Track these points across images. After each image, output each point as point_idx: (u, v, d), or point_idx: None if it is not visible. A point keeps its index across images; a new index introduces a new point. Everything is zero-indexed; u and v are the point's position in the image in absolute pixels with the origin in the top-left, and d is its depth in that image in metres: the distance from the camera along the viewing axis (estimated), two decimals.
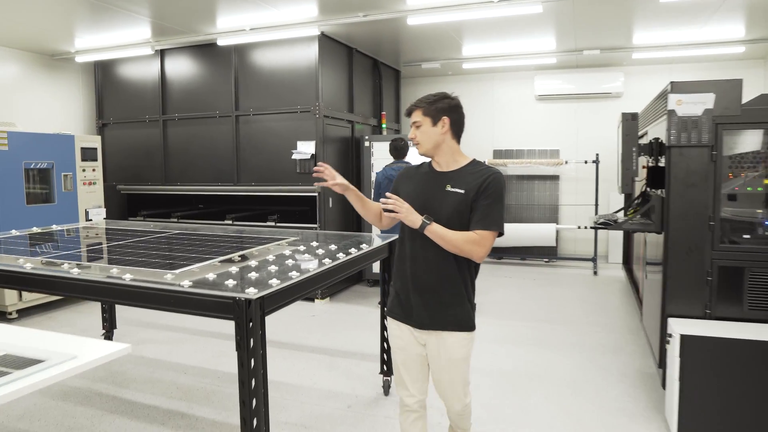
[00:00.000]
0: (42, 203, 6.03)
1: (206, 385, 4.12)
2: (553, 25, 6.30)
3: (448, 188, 2.32)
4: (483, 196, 2.25)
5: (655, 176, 3.83)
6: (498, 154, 8.99)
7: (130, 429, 3.45)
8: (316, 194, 6.41)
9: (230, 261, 2.96)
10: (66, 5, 5.48)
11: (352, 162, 7.27)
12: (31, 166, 5.88)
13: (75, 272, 2.66)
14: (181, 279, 2.48)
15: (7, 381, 1.62)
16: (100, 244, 3.38)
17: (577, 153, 8.74)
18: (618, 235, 8.23)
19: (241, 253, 3.07)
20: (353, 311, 6.09)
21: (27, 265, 2.83)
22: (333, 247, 3.36)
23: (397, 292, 2.45)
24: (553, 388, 3.98)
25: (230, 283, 2.40)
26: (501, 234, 2.31)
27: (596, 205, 8.08)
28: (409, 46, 7.39)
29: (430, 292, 2.33)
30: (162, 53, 7.18)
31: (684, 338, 3.02)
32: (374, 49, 7.57)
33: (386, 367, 3.89)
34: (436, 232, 2.23)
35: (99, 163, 6.62)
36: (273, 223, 6.64)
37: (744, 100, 3.26)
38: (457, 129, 2.39)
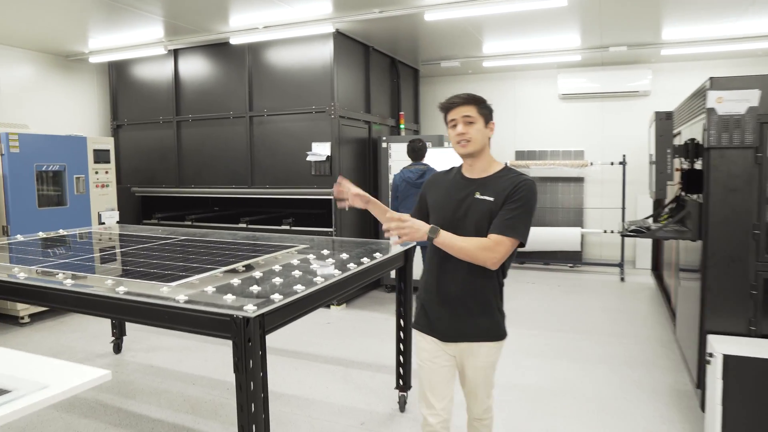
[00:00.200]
0: (54, 206, 5.94)
1: (214, 397, 3.95)
2: (577, 20, 6.02)
3: (477, 196, 2.21)
4: (509, 201, 2.15)
5: (691, 180, 3.55)
6: (520, 155, 8.71)
7: None
8: (331, 197, 6.22)
9: (234, 271, 2.77)
10: (79, 5, 5.39)
11: (369, 164, 7.07)
12: (43, 169, 5.79)
13: (68, 284, 2.50)
14: (178, 293, 2.30)
15: None
16: (101, 251, 3.23)
17: (602, 154, 8.43)
18: (646, 240, 7.90)
19: (246, 262, 2.89)
20: (370, 318, 5.89)
21: (21, 274, 2.68)
22: (344, 255, 3.16)
23: (422, 304, 2.38)
24: (579, 406, 3.73)
25: (229, 298, 2.21)
26: (522, 245, 2.18)
27: (623, 208, 7.76)
28: (427, 43, 7.17)
29: (457, 304, 2.25)
30: (175, 53, 7.07)
31: (728, 359, 2.75)
32: (391, 47, 7.36)
33: (402, 381, 3.68)
34: (445, 241, 2.15)
35: (112, 165, 6.52)
36: (288, 227, 6.47)
37: None
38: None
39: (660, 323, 5.53)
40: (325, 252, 3.27)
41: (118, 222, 6.52)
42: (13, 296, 2.61)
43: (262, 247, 3.33)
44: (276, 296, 2.20)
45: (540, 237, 8.13)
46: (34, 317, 5.84)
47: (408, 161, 5.76)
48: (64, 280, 2.55)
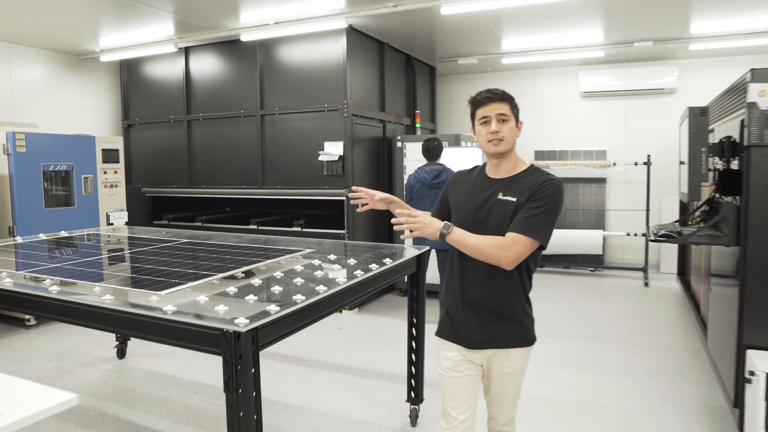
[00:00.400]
0: (61, 207, 5.83)
1: (217, 407, 3.77)
2: (601, 13, 5.76)
3: (500, 196, 2.11)
4: (532, 200, 2.04)
5: (727, 181, 3.29)
6: (540, 155, 8.44)
7: None
8: (343, 198, 6.03)
9: (232, 278, 2.59)
10: (90, 3, 5.31)
11: (384, 164, 6.87)
12: (50, 169, 5.69)
13: (53, 291, 2.34)
14: (167, 302, 2.12)
15: None
16: (96, 255, 3.07)
17: (625, 154, 8.13)
18: (672, 244, 7.58)
19: (245, 268, 2.70)
20: (383, 324, 5.68)
21: (7, 280, 2.53)
22: (352, 261, 2.96)
23: (447, 310, 2.28)
24: (602, 421, 3.48)
25: (221, 309, 2.03)
26: (542, 247, 2.07)
27: (647, 210, 7.45)
28: (444, 39, 6.94)
29: (483, 308, 2.16)
30: (186, 51, 6.94)
31: None
32: (407, 44, 7.15)
33: (414, 394, 3.47)
34: (458, 239, 2.05)
35: (121, 165, 6.40)
36: (299, 228, 6.30)
37: None
38: None
39: (688, 332, 5.24)
40: (332, 257, 3.07)
41: (126, 223, 6.40)
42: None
43: (265, 251, 3.15)
44: (272, 307, 2.01)
45: (560, 240, 7.85)
46: (41, 319, 5.73)
47: (423, 161, 5.55)
48: (50, 287, 2.39)
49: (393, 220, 2.11)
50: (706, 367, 4.30)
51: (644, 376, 4.19)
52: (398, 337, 5.17)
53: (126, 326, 2.12)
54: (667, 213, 7.74)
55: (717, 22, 6.03)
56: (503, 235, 2.04)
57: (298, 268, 2.78)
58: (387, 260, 2.95)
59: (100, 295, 2.26)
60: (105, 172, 6.20)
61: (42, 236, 4.04)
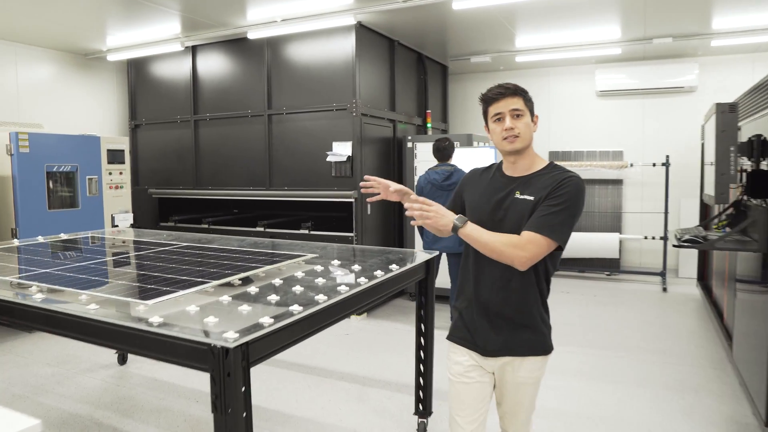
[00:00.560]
0: (65, 208, 5.73)
1: None
2: (619, 9, 5.55)
3: (518, 195, 2.01)
4: (550, 197, 1.93)
5: (757, 182, 3.09)
6: (554, 156, 8.23)
7: None
8: (352, 200, 5.88)
9: (228, 285, 2.44)
10: (97, 1, 5.22)
11: (394, 164, 6.70)
12: (54, 170, 5.59)
13: (38, 298, 2.20)
14: (155, 312, 1.98)
15: None
16: (90, 260, 2.94)
17: (643, 155, 7.89)
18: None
19: (243, 275, 2.55)
20: (392, 330, 5.52)
21: None
22: (356, 267, 2.80)
23: (460, 314, 2.18)
24: None
25: (211, 321, 1.87)
26: (560, 248, 1.96)
27: (666, 213, 7.22)
28: (456, 37, 6.77)
29: (498, 314, 2.05)
30: (194, 50, 6.83)
31: None
32: (418, 42, 6.99)
33: (422, 407, 3.30)
34: (471, 234, 1.95)
35: (126, 166, 6.29)
36: (307, 231, 6.15)
37: None
38: None
39: (710, 341, 5.01)
40: (336, 263, 2.91)
41: (132, 225, 6.29)
42: None
43: (266, 256, 3.00)
44: (265, 320, 1.85)
45: (575, 243, 7.64)
46: None
47: (434, 162, 5.38)
48: (35, 295, 2.25)
49: (406, 205, 2.03)
50: (732, 380, 4.08)
51: (665, 388, 3.98)
52: (407, 343, 5.00)
53: (110, 338, 1.98)
54: (687, 216, 7.49)
55: (740, 17, 5.80)
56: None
57: (299, 274, 2.63)
58: (393, 266, 2.79)
59: (86, 303, 2.12)
60: (110, 173, 6.10)
61: (40, 239, 3.93)
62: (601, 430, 3.39)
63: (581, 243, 7.65)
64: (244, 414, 1.74)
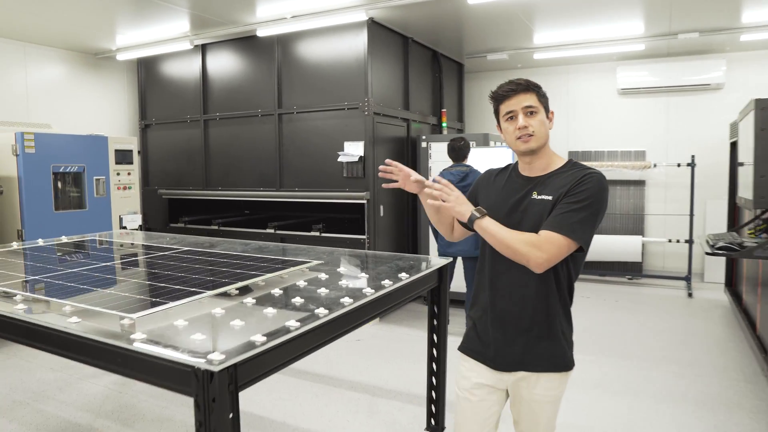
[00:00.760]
0: (72, 209, 5.63)
1: None
2: (643, 2, 5.30)
3: (535, 196, 1.88)
4: (569, 195, 1.80)
5: None
6: (574, 156, 7.97)
7: None
8: (364, 201, 5.70)
9: (225, 295, 2.27)
10: (105, 0, 5.12)
11: (408, 165, 6.48)
12: (60, 170, 5.49)
13: (19, 309, 2.06)
14: (140, 327, 1.81)
15: None
16: (83, 265, 2.80)
17: (666, 155, 7.61)
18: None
19: (241, 284, 2.38)
20: (405, 336, 5.33)
21: None
22: (363, 275, 2.62)
23: (474, 324, 2.06)
24: None
25: (198, 338, 1.70)
26: (581, 249, 1.80)
27: (691, 215, 6.93)
28: (472, 33, 6.55)
29: (515, 325, 1.92)
30: (203, 49, 6.70)
31: None
32: (433, 39, 6.79)
33: (434, 421, 3.10)
34: (487, 228, 1.84)
35: (135, 167, 6.18)
36: (318, 233, 5.99)
37: None
38: None
39: (741, 352, 4.74)
40: (342, 270, 2.73)
41: (140, 226, 6.18)
42: None
43: (268, 263, 2.83)
44: (258, 338, 1.67)
45: (596, 246, 7.37)
46: None
47: (450, 162, 5.18)
48: (17, 304, 2.11)
49: (427, 182, 1.97)
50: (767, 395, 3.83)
51: (695, 404, 3.73)
52: (421, 351, 4.78)
53: (90, 355, 1.82)
54: (714, 219, 7.20)
55: None
56: None
57: (301, 284, 2.45)
58: (403, 275, 2.60)
59: (69, 315, 1.97)
60: (118, 174, 5.99)
61: (40, 242, 3.80)
62: None
63: (602, 246, 7.39)
64: None
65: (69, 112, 6.98)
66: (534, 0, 5.13)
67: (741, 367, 4.39)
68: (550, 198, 1.84)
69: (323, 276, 2.61)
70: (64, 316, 1.97)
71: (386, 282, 2.44)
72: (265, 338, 1.68)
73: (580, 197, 1.78)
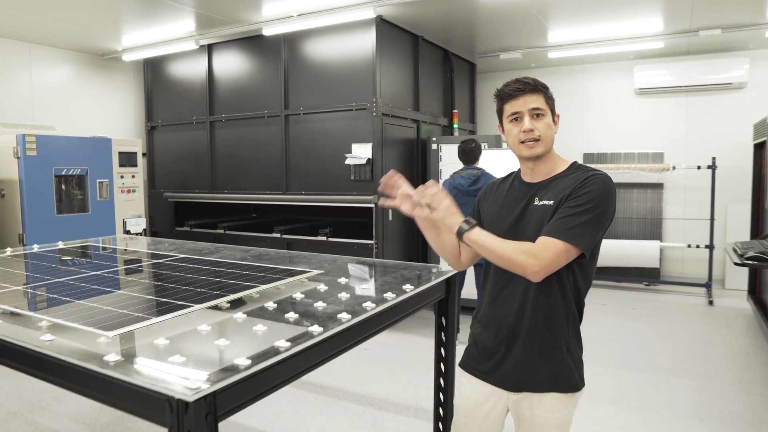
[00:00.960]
0: (75, 213, 5.53)
1: None
2: None
3: (536, 202, 1.77)
4: (571, 198, 1.68)
5: None
6: (589, 158, 7.76)
7: None
8: (372, 206, 5.53)
9: (215, 308, 2.11)
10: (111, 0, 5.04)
11: (417, 168, 6.34)
12: (63, 173, 5.39)
13: None
14: (116, 346, 1.66)
15: None
16: (68, 275, 2.66)
17: (686, 157, 7.37)
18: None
19: (234, 296, 2.23)
20: (413, 346, 5.15)
21: None
22: (365, 287, 2.45)
23: (475, 339, 1.95)
24: None
25: (176, 360, 1.54)
26: (582, 255, 1.67)
27: (711, 219, 6.68)
28: (484, 32, 6.37)
29: (515, 341, 1.80)
30: (209, 49, 6.58)
31: None
32: (444, 38, 6.61)
33: None
34: (477, 239, 1.70)
35: (139, 169, 6.08)
36: (325, 238, 5.83)
37: None
38: None
39: (767, 364, 4.51)
40: (342, 281, 2.57)
41: (144, 230, 6.07)
42: None
43: (266, 272, 2.67)
44: (242, 361, 1.51)
45: (612, 250, 7.16)
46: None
47: (461, 165, 5.00)
48: None
49: (419, 188, 1.79)
50: None
51: (720, 421, 3.52)
52: (430, 361, 4.61)
53: (65, 377, 1.67)
54: (735, 223, 6.95)
55: None
56: None
57: (298, 296, 2.29)
58: (407, 286, 2.43)
59: (44, 332, 1.82)
60: (122, 177, 5.89)
61: (35, 247, 3.68)
62: None
63: (618, 251, 7.17)
64: None
65: (75, 114, 6.90)
66: None
67: (767, 380, 4.16)
68: (551, 203, 1.72)
69: (322, 287, 2.45)
70: (39, 331, 1.83)
71: (389, 295, 2.27)
72: (249, 361, 1.52)
73: (583, 200, 1.66)
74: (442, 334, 2.89)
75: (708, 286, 6.74)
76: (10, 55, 6.29)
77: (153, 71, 7.23)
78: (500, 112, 1.83)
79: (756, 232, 5.99)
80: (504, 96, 1.78)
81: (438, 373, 2.91)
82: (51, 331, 1.83)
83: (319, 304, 2.13)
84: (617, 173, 7.41)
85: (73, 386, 1.65)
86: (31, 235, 5.12)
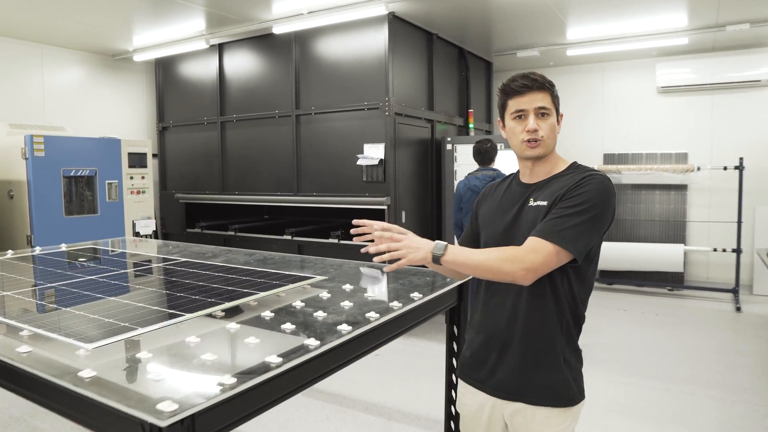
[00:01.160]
0: (83, 214, 5.46)
1: None
2: None
3: (531, 203, 1.70)
4: (565, 198, 1.60)
5: None
6: (609, 158, 7.53)
7: None
8: (384, 207, 5.38)
9: (209, 317, 1.98)
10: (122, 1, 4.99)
11: (432, 169, 6.17)
12: (71, 174, 5.33)
13: None
14: (94, 360, 1.54)
15: None
16: (60, 279, 2.55)
17: (711, 157, 7.10)
18: None
19: (230, 304, 2.10)
20: (426, 352, 4.99)
21: None
22: (370, 295, 2.31)
23: (469, 346, 1.88)
24: None
25: (155, 378, 1.41)
26: (574, 260, 1.58)
27: (739, 222, 6.42)
28: (501, 29, 6.19)
29: (507, 350, 1.71)
30: (220, 48, 6.49)
31: None
32: (459, 35, 6.44)
33: None
34: (456, 260, 1.60)
35: (149, 170, 6.00)
36: (336, 240, 5.69)
37: None
38: None
39: None
40: (347, 288, 2.42)
41: (154, 231, 5.99)
42: None
43: (267, 278, 2.54)
44: (226, 379, 1.37)
45: (633, 254, 6.93)
46: None
47: (476, 166, 4.84)
48: None
49: (374, 234, 1.70)
50: None
51: None
52: (444, 368, 4.46)
53: (40, 393, 1.55)
54: (763, 226, 6.69)
55: None
56: None
57: (298, 304, 2.15)
58: (416, 294, 2.28)
59: (26, 341, 1.71)
60: (131, 178, 5.82)
61: (37, 249, 3.60)
62: None
63: (640, 254, 6.93)
64: None
65: (86, 115, 6.86)
66: None
67: None
68: (545, 203, 1.65)
69: (325, 295, 2.30)
70: (19, 341, 1.72)
71: (395, 304, 2.12)
72: (234, 380, 1.38)
73: (577, 201, 1.58)
74: (454, 343, 2.75)
75: (735, 291, 6.48)
76: (22, 56, 6.26)
77: (164, 72, 7.17)
78: (503, 107, 1.74)
79: None
80: (509, 91, 1.69)
81: (449, 385, 2.77)
82: (30, 342, 1.71)
83: (319, 314, 1.99)
84: (640, 174, 7.18)
85: (47, 403, 1.53)
86: (39, 236, 5.07)
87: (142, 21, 5.74)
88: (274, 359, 1.52)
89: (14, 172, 5.13)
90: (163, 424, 1.19)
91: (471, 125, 6.95)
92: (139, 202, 5.88)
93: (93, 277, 2.58)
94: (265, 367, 1.48)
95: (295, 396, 3.95)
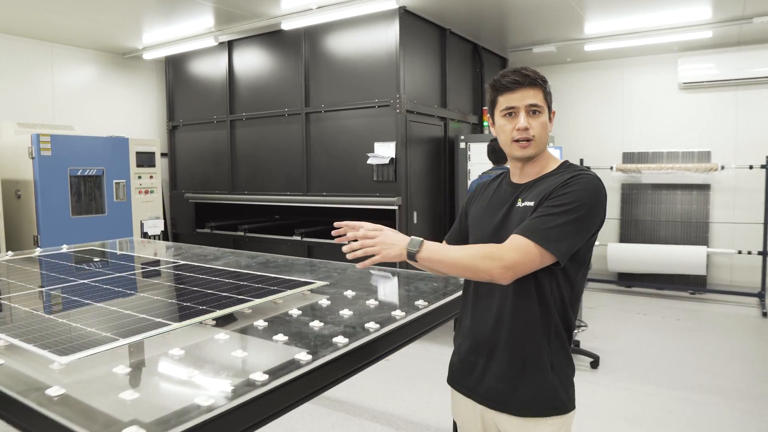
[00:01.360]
0: (91, 214, 5.40)
1: None
2: None
3: (519, 203, 1.64)
4: (551, 197, 1.54)
5: None
6: (629, 157, 7.32)
7: None
8: (395, 207, 5.25)
9: (198, 325, 1.87)
10: None
11: (445, 168, 6.02)
12: (78, 173, 5.27)
13: None
14: (68, 375, 1.43)
15: None
16: (58, 281, 2.46)
17: (735, 156, 6.85)
18: None
19: (222, 312, 1.97)
20: (437, 356, 4.84)
21: None
22: (372, 302, 2.17)
23: (456, 351, 1.84)
24: None
25: (128, 397, 1.29)
26: (557, 262, 1.50)
27: (765, 223, 6.19)
28: (516, 23, 6.00)
29: (495, 354, 1.65)
30: (230, 46, 6.40)
31: None
32: (473, 30, 6.27)
33: None
34: (431, 257, 1.54)
35: (157, 170, 5.93)
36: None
37: None
38: None
39: None
40: (349, 294, 2.29)
41: (162, 232, 5.92)
42: None
43: (266, 283, 2.42)
44: (202, 402, 1.24)
45: (653, 256, 6.70)
46: None
47: (490, 164, 4.69)
48: None
49: (349, 234, 1.66)
50: None
51: None
52: None
53: (8, 410, 1.43)
54: None
55: None
56: None
57: (294, 313, 2.02)
58: (421, 302, 2.14)
59: (1, 351, 1.61)
60: (139, 177, 5.74)
61: (38, 251, 3.52)
62: None
63: (660, 256, 6.70)
64: None
65: (96, 114, 6.82)
66: None
67: None
68: (532, 204, 1.59)
69: (324, 302, 2.18)
70: None
71: (397, 313, 1.98)
72: (212, 401, 1.25)
73: (563, 200, 1.51)
74: None
75: (761, 296, 6.23)
76: (32, 55, 6.23)
77: (174, 70, 7.10)
78: (493, 104, 1.68)
79: None
80: (499, 87, 1.62)
81: None
82: (6, 353, 1.61)
83: (315, 324, 1.86)
84: (660, 173, 6.95)
85: (16, 422, 1.41)
86: (45, 236, 5.01)
87: (151, 18, 5.67)
88: (259, 376, 1.39)
89: (21, 171, 5.08)
90: None
91: (485, 123, 6.78)
92: (147, 202, 5.80)
93: (85, 281, 2.48)
94: (250, 385, 1.36)
95: None
